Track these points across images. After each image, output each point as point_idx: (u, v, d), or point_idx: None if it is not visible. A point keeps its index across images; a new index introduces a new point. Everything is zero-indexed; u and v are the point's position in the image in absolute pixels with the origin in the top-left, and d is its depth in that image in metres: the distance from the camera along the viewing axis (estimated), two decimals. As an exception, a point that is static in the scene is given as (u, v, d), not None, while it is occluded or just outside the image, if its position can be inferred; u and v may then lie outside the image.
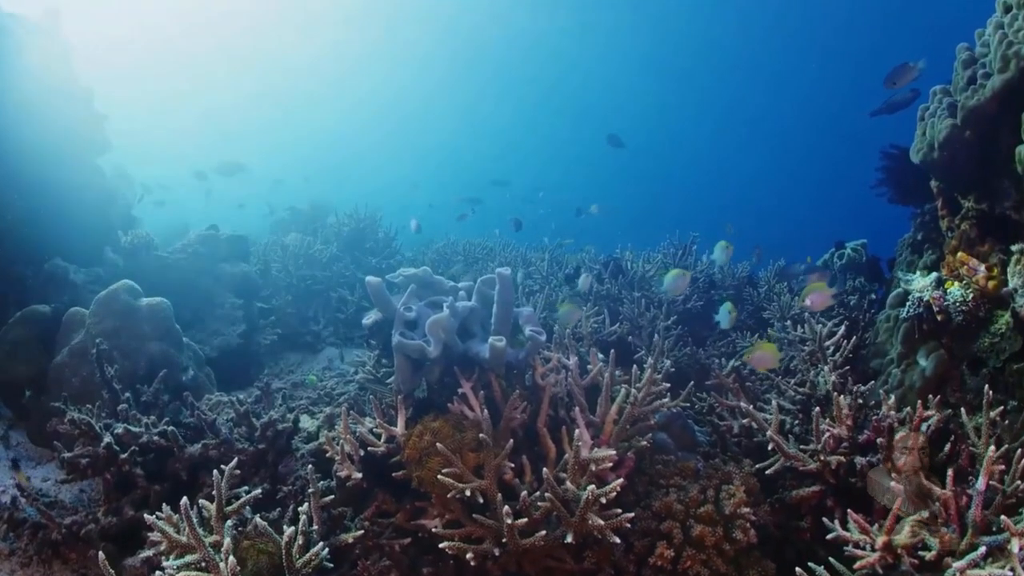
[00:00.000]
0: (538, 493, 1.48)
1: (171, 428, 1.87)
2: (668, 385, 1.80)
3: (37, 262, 3.94)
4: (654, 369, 1.74)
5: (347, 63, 20.29)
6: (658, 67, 22.37)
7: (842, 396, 1.78)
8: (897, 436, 1.94)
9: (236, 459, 1.59)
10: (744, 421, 2.04)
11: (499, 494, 1.44)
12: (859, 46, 19.89)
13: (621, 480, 1.39)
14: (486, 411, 1.52)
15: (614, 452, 1.50)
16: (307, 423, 2.38)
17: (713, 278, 4.13)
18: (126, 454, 1.84)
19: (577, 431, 1.56)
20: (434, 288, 1.99)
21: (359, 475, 1.68)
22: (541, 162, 26.28)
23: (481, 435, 1.46)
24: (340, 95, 22.37)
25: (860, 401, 1.97)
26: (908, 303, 2.70)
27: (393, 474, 1.63)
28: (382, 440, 1.67)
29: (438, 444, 1.46)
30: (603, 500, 1.35)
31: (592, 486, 1.34)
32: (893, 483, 1.67)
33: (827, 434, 1.73)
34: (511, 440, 1.53)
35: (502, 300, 1.70)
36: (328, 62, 19.98)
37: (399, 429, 1.66)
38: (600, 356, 2.06)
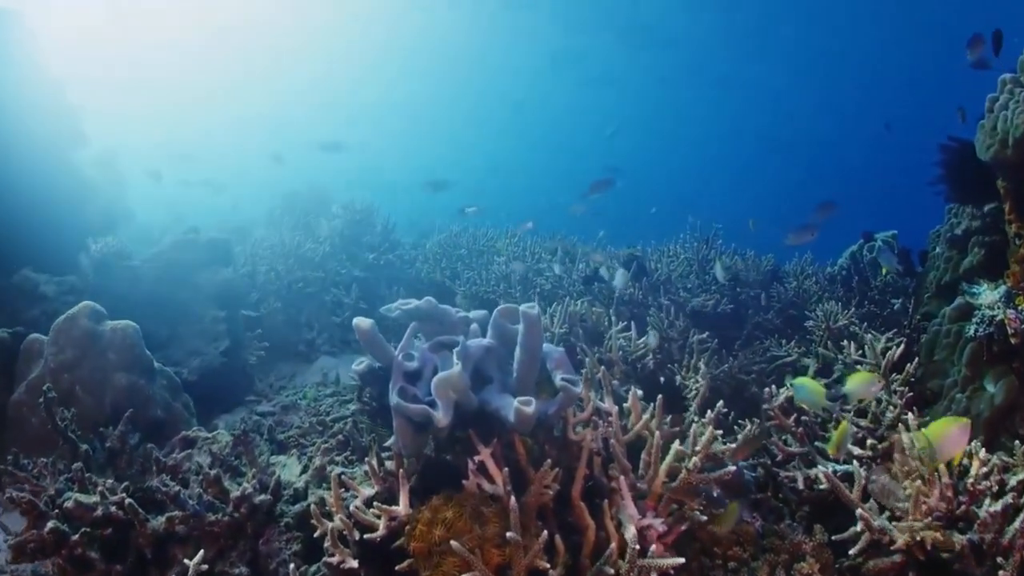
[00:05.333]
0: (582, 605, 1.17)
1: (128, 501, 1.56)
2: (732, 447, 1.49)
3: (5, 272, 3.61)
4: (715, 425, 1.43)
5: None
6: (668, 57, 21.74)
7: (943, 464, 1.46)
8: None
9: (202, 552, 1.28)
10: (816, 476, 1.73)
11: (532, 608, 1.14)
12: (881, 35, 19.34)
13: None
14: (513, 498, 1.21)
15: (681, 559, 1.19)
16: (294, 470, 2.08)
17: (738, 274, 3.81)
18: (77, 535, 1.54)
19: (632, 530, 1.24)
20: (439, 321, 1.66)
21: (354, 563, 1.37)
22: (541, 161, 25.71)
23: (509, 534, 1.15)
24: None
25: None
26: (975, 320, 2.38)
27: (396, 567, 1.32)
28: (382, 523, 1.36)
29: (454, 543, 1.15)
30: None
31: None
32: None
33: (924, 506, 1.43)
34: (544, 532, 1.22)
35: (528, 345, 1.38)
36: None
37: (402, 508, 1.35)
38: (639, 393, 1.74)
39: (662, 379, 1.56)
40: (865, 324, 2.80)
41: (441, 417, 1.24)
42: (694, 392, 2.40)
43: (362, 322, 1.41)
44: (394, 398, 1.31)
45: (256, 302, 3.80)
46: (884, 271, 3.03)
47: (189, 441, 2.33)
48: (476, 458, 1.37)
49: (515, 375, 1.45)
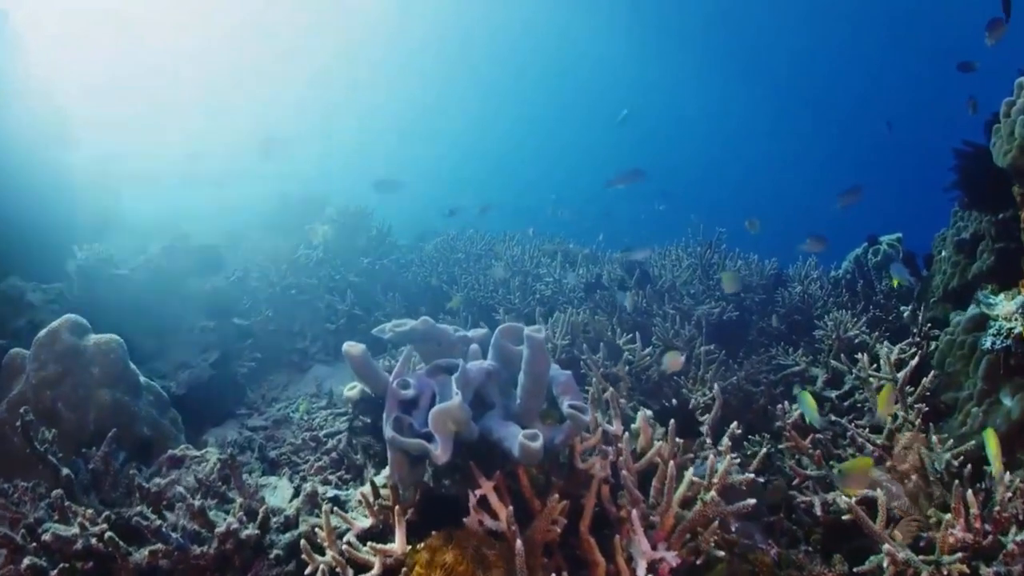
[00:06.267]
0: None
1: (109, 534, 1.47)
2: (751, 477, 1.40)
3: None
4: (731, 452, 1.34)
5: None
6: (672, 53, 21.59)
7: (969, 490, 1.39)
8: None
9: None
10: (833, 500, 1.65)
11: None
12: (882, 32, 19.25)
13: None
14: (519, 541, 1.12)
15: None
16: (285, 493, 1.98)
17: (742, 279, 3.73)
18: (56, 571, 1.44)
19: (643, 566, 1.16)
20: (437, 341, 1.57)
21: (348, 604, 1.28)
22: (544, 157, 25.51)
23: (513, 582, 1.06)
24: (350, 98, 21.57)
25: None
26: (991, 332, 2.30)
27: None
28: (377, 562, 1.27)
29: (454, 590, 1.07)
30: None
31: None
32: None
33: (952, 539, 1.35)
34: (552, 576, 1.13)
35: (533, 372, 1.29)
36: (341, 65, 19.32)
37: (398, 547, 1.26)
38: (648, 414, 1.66)
39: (675, 401, 1.47)
40: (876, 334, 2.72)
41: (440, 454, 1.15)
42: (702, 406, 2.32)
43: (352, 348, 1.32)
44: (388, 431, 1.22)
45: (247, 310, 3.70)
46: (896, 283, 2.95)
47: (177, 460, 2.24)
48: (477, 492, 1.28)
49: (519, 401, 1.36)
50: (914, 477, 1.73)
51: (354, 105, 22.00)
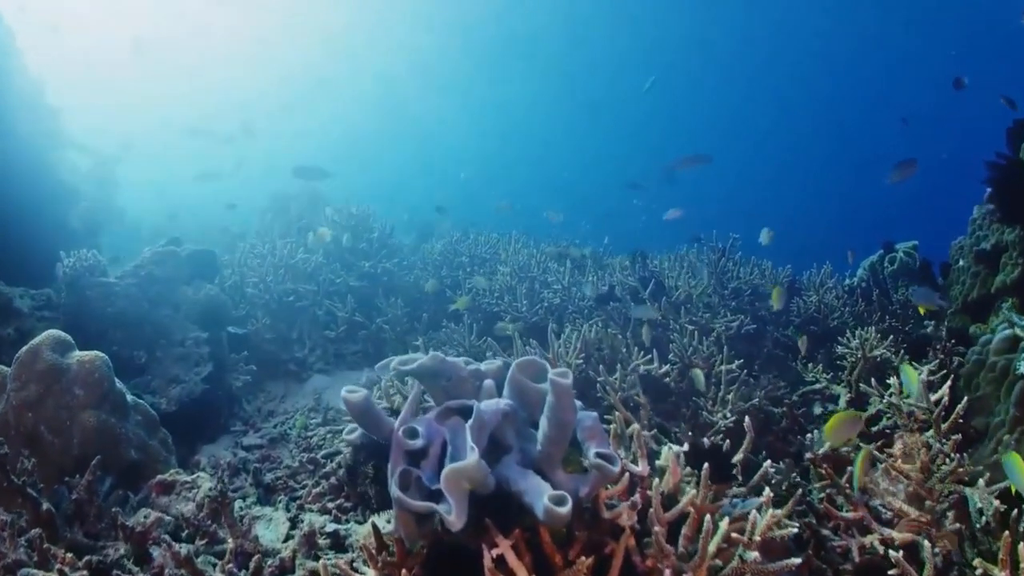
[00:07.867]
0: None
1: (86, 585, 1.34)
2: (796, 528, 1.28)
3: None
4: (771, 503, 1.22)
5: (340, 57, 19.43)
6: (674, 54, 21.39)
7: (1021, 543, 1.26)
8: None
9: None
10: (871, 544, 1.52)
11: None
12: (895, 36, 19.04)
13: None
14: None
15: None
16: (280, 529, 1.85)
17: (757, 289, 3.62)
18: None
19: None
20: (447, 376, 1.44)
21: (350, 673, 1.16)
22: (543, 157, 25.28)
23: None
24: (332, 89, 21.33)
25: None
26: (1024, 356, 2.18)
27: None
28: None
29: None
30: None
31: None
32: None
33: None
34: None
35: (558, 420, 1.16)
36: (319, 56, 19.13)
37: (406, 613, 1.14)
38: (677, 451, 1.53)
39: (706, 441, 1.36)
40: (901, 352, 2.59)
41: (454, 520, 1.02)
42: (722, 428, 2.21)
43: (352, 395, 1.19)
44: (395, 490, 1.09)
45: (243, 317, 3.56)
46: (922, 311, 2.83)
47: (166, 486, 2.11)
48: (494, 552, 1.15)
49: (539, 447, 1.23)
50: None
51: (361, 102, 21.82)
